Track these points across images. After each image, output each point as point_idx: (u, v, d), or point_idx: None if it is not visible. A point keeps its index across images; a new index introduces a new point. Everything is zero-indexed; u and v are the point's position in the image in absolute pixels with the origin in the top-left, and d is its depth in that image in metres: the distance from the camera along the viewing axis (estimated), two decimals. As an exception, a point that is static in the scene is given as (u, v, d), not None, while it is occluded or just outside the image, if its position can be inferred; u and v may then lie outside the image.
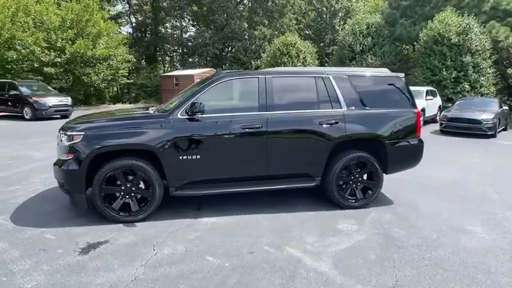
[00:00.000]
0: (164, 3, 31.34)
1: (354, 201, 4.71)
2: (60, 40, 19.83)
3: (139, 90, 29.07)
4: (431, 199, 5.14)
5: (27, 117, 14.99)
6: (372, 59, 21.26)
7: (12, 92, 15.30)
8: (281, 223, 4.21)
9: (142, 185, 4.22)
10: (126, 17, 34.85)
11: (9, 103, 15.59)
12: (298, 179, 4.60)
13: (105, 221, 4.11)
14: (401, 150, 4.79)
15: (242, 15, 30.16)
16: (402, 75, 4.94)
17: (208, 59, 33.61)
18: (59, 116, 15.46)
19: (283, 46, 24.81)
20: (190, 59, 33.90)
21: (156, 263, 3.27)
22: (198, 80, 23.14)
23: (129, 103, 27.00)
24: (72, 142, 4.02)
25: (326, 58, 27.79)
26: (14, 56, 18.08)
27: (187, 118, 4.20)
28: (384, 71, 5.17)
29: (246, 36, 30.40)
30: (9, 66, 18.39)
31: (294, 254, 3.47)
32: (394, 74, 5.03)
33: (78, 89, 21.94)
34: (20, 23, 18.30)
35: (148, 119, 4.31)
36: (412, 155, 4.94)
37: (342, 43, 23.01)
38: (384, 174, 4.78)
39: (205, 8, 31.29)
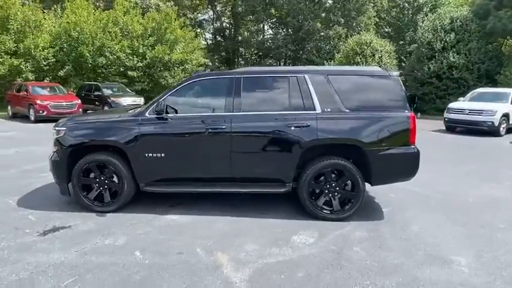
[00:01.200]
0: (240, 8, 32.48)
1: (329, 212, 4.29)
2: (141, 47, 22.12)
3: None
4: (435, 220, 4.36)
5: (106, 115, 17.11)
6: (454, 57, 18.87)
7: (97, 93, 17.62)
8: (238, 228, 4.06)
9: (115, 179, 4.51)
10: (210, 23, 37.26)
11: (96, 102, 17.99)
12: (267, 184, 4.38)
13: (84, 209, 4.51)
14: (389, 160, 4.20)
15: (317, 16, 29.54)
16: (396, 73, 4.30)
17: (282, 61, 33.78)
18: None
19: (357, 45, 23.70)
20: (265, 62, 34.49)
21: (89, 251, 3.47)
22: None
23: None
24: (57, 136, 4.51)
25: (403, 57, 25.60)
26: (104, 62, 20.77)
27: (155, 117, 4.36)
28: (374, 70, 4.59)
29: (320, 36, 29.76)
30: (100, 71, 21.19)
31: (219, 260, 3.33)
32: (384, 72, 4.41)
33: (156, 90, 24.17)
34: (110, 32, 20.97)
35: (122, 117, 4.59)
36: (403, 166, 4.29)
37: (420, 40, 20.94)
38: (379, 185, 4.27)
39: (282, 11, 31.58)
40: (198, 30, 35.83)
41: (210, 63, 30.30)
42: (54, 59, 19.67)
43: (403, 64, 24.10)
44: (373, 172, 4.21)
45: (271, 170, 4.32)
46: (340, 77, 4.36)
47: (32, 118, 14.48)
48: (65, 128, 4.50)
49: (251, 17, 33.22)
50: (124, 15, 22.03)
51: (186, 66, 24.50)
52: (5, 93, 17.09)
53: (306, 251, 3.53)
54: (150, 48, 22.44)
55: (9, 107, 16.28)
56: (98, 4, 24.40)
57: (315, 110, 4.22)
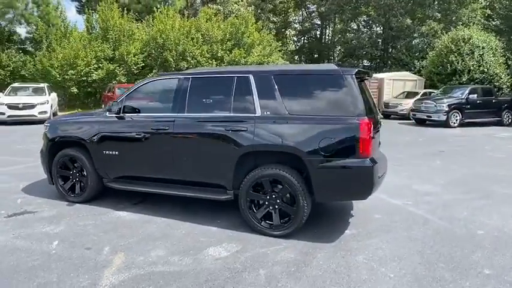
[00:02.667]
0: (323, 8, 31.57)
1: (268, 226, 3.87)
2: (220, 51, 23.34)
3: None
4: (399, 254, 3.57)
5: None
6: None
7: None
8: (165, 232, 3.94)
9: (85, 173, 4.86)
10: (297, 25, 37.22)
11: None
12: (210, 189, 4.17)
13: (61, 198, 4.98)
14: (332, 173, 3.57)
15: (408, 11, 26.85)
16: (353, 71, 3.60)
17: (366, 61, 31.71)
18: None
19: (452, 42, 20.86)
20: (351, 62, 32.87)
21: (23, 235, 3.82)
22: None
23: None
24: (44, 131, 5.09)
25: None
26: (185, 66, 22.56)
27: (115, 116, 4.56)
28: (324, 68, 3.93)
29: (411, 33, 26.97)
30: (182, 74, 23.07)
31: (114, 261, 3.30)
32: (336, 70, 3.73)
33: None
34: (193, 39, 22.67)
35: (91, 116, 4.91)
36: (350, 182, 3.60)
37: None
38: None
39: (369, 8, 29.65)
40: (287, 31, 36.25)
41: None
42: (143, 64, 22.19)
43: (510, 62, 20.17)
44: (314, 186, 3.64)
45: (210, 175, 4.10)
46: (286, 77, 3.89)
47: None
48: (48, 124, 5.06)
49: (337, 16, 32.05)
50: (206, 22, 23.55)
51: (263, 69, 24.90)
52: (101, 94, 20.02)
53: (206, 265, 3.25)
54: (228, 52, 23.52)
55: (102, 106, 19.01)
56: (186, 12, 26.61)
57: (254, 113, 3.86)
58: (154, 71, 22.35)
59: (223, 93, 4.13)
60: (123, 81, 21.19)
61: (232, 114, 3.97)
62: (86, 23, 21.74)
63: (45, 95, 14.95)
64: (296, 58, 34.71)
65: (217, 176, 4.05)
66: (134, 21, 22.61)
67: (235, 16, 24.50)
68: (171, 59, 21.84)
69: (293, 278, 3.05)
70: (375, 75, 24.65)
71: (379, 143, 4.86)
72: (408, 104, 17.48)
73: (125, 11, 22.37)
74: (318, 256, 3.44)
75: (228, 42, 23.63)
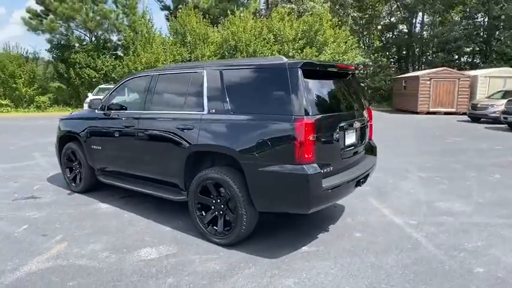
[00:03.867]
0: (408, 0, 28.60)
1: (213, 232, 3.61)
2: (291, 50, 23.05)
3: (373, 94, 28.57)
4: (354, 282, 2.97)
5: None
6: None
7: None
8: (120, 228, 3.97)
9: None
10: (381, 19, 34.61)
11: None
12: (167, 188, 4.07)
13: (67, 187, 5.48)
14: (268, 179, 3.13)
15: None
16: (298, 64, 3.05)
17: (465, 55, 27.71)
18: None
19: None
20: (445, 57, 29.23)
21: (4, 218, 4.28)
22: (427, 82, 19.91)
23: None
24: (57, 126, 5.64)
25: None
26: (256, 66, 22.87)
27: (102, 113, 4.80)
28: (268, 61, 3.40)
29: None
30: (253, 74, 23.43)
31: (49, 247, 3.46)
32: (280, 63, 3.19)
33: (305, 92, 24.61)
34: (264, 39, 22.85)
35: (88, 114, 5.24)
36: (286, 190, 3.09)
37: None
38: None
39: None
40: (372, 27, 33.98)
41: (370, 63, 28.26)
42: (217, 65, 23.20)
43: None
44: (251, 193, 3.25)
45: (166, 174, 4.00)
46: (233, 72, 3.53)
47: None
48: (60, 120, 5.59)
49: (428, 7, 28.76)
50: (278, 22, 23.50)
51: (337, 68, 23.77)
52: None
53: (126, 265, 3.15)
54: (299, 51, 23.09)
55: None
56: (263, 13, 26.97)
57: (202, 111, 3.63)
58: (226, 71, 23.21)
59: (180, 90, 3.99)
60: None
61: (183, 112, 3.81)
62: (168, 29, 23.68)
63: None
64: (380, 55, 32.27)
65: (171, 175, 3.93)
66: (210, 25, 23.77)
67: (310, 14, 23.88)
68: (242, 60, 22.39)
69: (194, 292, 2.77)
70: (466, 72, 21.49)
71: (371, 148, 4.17)
72: (502, 105, 14.71)
73: (203, 16, 23.70)
74: (244, 272, 3.06)
75: (299, 41, 23.20)
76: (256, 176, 3.17)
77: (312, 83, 3.21)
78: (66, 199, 5.01)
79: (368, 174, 3.78)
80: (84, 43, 22.16)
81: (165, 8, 30.12)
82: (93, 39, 22.46)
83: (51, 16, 20.06)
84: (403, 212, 4.48)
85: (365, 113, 4.07)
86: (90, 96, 16.63)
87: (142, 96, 4.38)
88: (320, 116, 3.11)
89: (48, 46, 21.32)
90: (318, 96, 3.25)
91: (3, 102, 21.27)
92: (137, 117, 4.23)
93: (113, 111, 4.64)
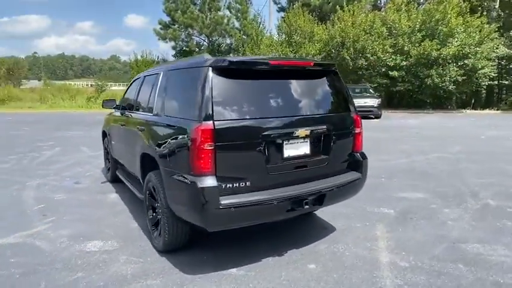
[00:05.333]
0: None
1: (155, 236, 3.53)
2: (406, 43, 20.48)
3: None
4: None
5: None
6: None
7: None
8: (102, 219, 4.32)
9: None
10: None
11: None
12: (139, 186, 4.18)
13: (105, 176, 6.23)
14: (175, 188, 2.89)
15: None
16: (206, 62, 2.63)
17: None
18: (364, 116, 16.78)
19: None
20: None
21: (37, 188, 5.16)
22: None
23: (497, 109, 22.35)
24: (105, 121, 6.45)
25: None
26: (364, 63, 21.22)
27: (119, 112, 5.27)
28: (196, 60, 2.95)
29: None
30: (361, 72, 21.82)
31: (34, 219, 4.00)
32: (197, 61, 2.79)
33: (424, 91, 21.57)
34: (376, 33, 20.96)
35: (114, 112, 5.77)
36: (186, 202, 2.78)
37: None
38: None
39: None
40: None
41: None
42: (322, 64, 22.45)
43: None
44: (168, 201, 3.04)
45: (135, 172, 4.12)
46: (173, 73, 3.35)
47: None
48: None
49: None
50: (393, 14, 21.20)
51: (467, 62, 20.08)
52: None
53: (63, 253, 3.40)
54: (416, 44, 20.37)
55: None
56: (379, 6, 24.75)
57: (152, 113, 3.59)
58: (332, 70, 22.27)
59: (148, 92, 4.01)
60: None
61: (144, 114, 3.85)
62: (276, 30, 24.19)
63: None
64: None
65: (137, 174, 4.04)
66: (318, 23, 23.18)
67: (431, 2, 20.75)
68: (348, 57, 21.11)
69: (83, 292, 2.78)
70: None
71: (355, 162, 3.40)
72: None
73: (311, 14, 23.30)
74: (146, 282, 2.91)
75: (418, 34, 20.44)
76: (169, 183, 2.98)
77: (235, 84, 2.80)
78: (95, 187, 5.69)
79: (323, 194, 3.07)
80: (203, 48, 24.67)
81: (281, 9, 30.85)
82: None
83: (174, 26, 23.06)
84: (404, 250, 3.47)
85: (341, 120, 3.32)
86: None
87: (134, 96, 4.61)
88: (227, 121, 2.68)
89: (173, 52, 24.54)
90: (239, 100, 2.80)
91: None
92: (128, 116, 4.49)
93: (120, 110, 5.03)
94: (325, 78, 3.32)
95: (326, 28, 23.15)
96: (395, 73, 20.80)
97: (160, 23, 23.40)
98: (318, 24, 23.29)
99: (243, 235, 3.76)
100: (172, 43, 23.43)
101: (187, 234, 3.19)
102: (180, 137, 2.82)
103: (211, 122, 2.62)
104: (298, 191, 2.92)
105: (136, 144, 3.87)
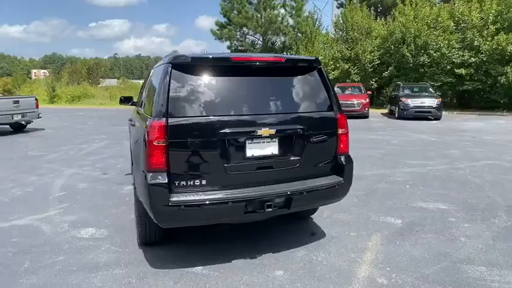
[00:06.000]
0: None
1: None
2: (477, 38, 18.41)
3: None
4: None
5: (395, 115, 16.59)
6: None
7: (394, 93, 17.44)
8: (102, 206, 4.59)
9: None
10: None
11: (390, 102, 18.02)
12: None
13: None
14: (138, 181, 3.04)
15: None
16: (165, 60, 2.59)
17: None
18: (422, 117, 15.43)
19: None
20: None
21: (72, 175, 5.66)
22: None
23: None
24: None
25: None
26: (426, 60, 19.54)
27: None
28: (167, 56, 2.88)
29: None
30: (423, 70, 20.12)
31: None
32: (165, 58, 2.75)
33: (497, 91, 19.19)
34: (442, 27, 19.18)
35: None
36: (141, 194, 2.95)
37: None
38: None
39: None
40: None
41: None
42: (379, 61, 21.20)
43: None
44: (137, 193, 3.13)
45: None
46: (153, 70, 3.44)
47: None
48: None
49: None
50: (462, 5, 19.20)
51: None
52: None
53: (57, 236, 3.68)
54: (489, 39, 18.22)
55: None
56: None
57: (142, 108, 3.70)
58: (390, 68, 20.96)
59: (145, 88, 4.13)
60: (356, 80, 21.32)
61: (140, 109, 3.98)
62: (333, 26, 23.42)
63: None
64: None
65: None
66: (375, 18, 21.94)
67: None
68: (408, 54, 19.64)
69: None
70: None
71: (337, 166, 3.19)
72: None
73: (369, 9, 22.13)
74: (114, 272, 3.02)
75: (491, 26, 18.26)
76: (136, 177, 3.08)
77: (196, 81, 2.77)
78: (117, 179, 6.07)
79: (290, 198, 2.88)
80: (257, 46, 24.88)
81: (340, 5, 29.85)
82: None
83: (230, 26, 23.60)
84: (390, 266, 3.14)
85: (319, 120, 3.09)
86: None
87: (141, 93, 4.80)
88: (182, 119, 2.66)
89: (229, 52, 25.06)
90: (199, 97, 2.75)
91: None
92: (136, 112, 4.70)
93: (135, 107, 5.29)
94: (305, 75, 3.12)
95: (386, 23, 21.81)
96: (462, 70, 18.84)
97: (217, 24, 24.20)
98: (376, 19, 22.06)
99: (230, 233, 3.73)
100: (228, 43, 24.12)
101: (160, 229, 3.22)
102: (141, 133, 2.88)
103: (164, 119, 2.62)
104: (259, 192, 2.79)
105: (131, 139, 4.04)
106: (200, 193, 2.70)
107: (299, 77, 3.10)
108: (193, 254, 3.31)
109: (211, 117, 2.72)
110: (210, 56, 2.84)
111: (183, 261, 3.19)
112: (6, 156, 8.08)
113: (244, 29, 23.65)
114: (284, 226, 3.95)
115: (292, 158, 2.98)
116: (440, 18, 19.22)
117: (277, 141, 2.91)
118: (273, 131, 2.83)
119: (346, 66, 21.36)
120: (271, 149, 2.90)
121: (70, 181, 5.88)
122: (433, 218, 4.19)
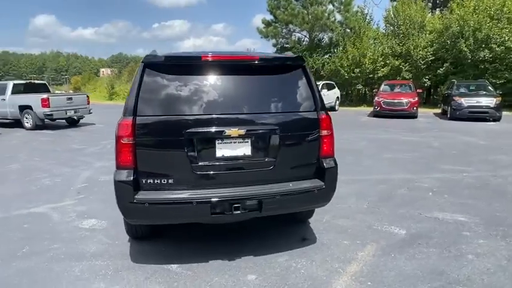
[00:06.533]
0: None
1: (133, 222, 3.79)
2: (550, 30, 16.29)
3: None
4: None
5: (448, 115, 15.29)
6: None
7: (447, 91, 16.09)
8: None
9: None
10: None
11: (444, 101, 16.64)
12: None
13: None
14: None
15: None
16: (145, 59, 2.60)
17: None
18: (477, 118, 14.09)
19: None
20: None
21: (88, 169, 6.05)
22: None
23: None
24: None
25: None
26: (488, 55, 17.73)
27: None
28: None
29: None
30: (483, 66, 18.28)
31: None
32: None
33: None
34: (507, 18, 17.27)
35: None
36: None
37: None
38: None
39: None
40: None
41: None
42: (433, 57, 19.67)
43: None
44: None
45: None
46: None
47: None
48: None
49: None
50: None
51: None
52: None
53: (65, 225, 3.95)
54: None
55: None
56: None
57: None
58: (445, 64, 19.37)
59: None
60: (407, 77, 20.05)
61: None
62: (384, 21, 22.20)
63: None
64: None
65: None
66: (431, 11, 20.38)
67: None
68: (466, 49, 17.97)
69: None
70: None
71: (319, 169, 3.04)
72: None
73: (428, 1, 20.61)
74: (98, 263, 3.17)
75: None
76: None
77: (168, 80, 2.78)
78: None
79: (260, 201, 2.78)
80: (304, 43, 24.45)
81: (394, -1, 28.14)
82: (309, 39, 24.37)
83: (276, 24, 23.44)
84: (373, 281, 2.92)
85: (298, 120, 2.94)
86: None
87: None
88: (150, 117, 2.68)
89: (274, 49, 24.87)
90: (169, 96, 2.74)
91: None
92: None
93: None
94: (285, 74, 2.98)
95: (442, 17, 20.17)
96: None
97: (263, 22, 24.15)
98: (431, 12, 20.50)
99: (223, 233, 3.71)
100: (274, 41, 23.97)
101: (143, 225, 3.30)
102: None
103: (132, 117, 2.67)
104: (226, 193, 2.73)
105: None
106: (166, 192, 2.72)
107: (278, 75, 2.97)
108: (176, 251, 3.35)
109: (179, 116, 2.72)
110: (182, 55, 2.83)
111: (164, 257, 3.24)
112: (52, 148, 8.88)
113: (290, 26, 23.33)
114: (279, 229, 3.84)
115: (266, 160, 2.87)
116: (506, 9, 17.30)
117: (249, 142, 2.82)
118: (242, 132, 2.75)
119: (397, 63, 20.17)
120: (244, 149, 2.82)
121: (95, 174, 6.27)
122: (444, 231, 3.79)
